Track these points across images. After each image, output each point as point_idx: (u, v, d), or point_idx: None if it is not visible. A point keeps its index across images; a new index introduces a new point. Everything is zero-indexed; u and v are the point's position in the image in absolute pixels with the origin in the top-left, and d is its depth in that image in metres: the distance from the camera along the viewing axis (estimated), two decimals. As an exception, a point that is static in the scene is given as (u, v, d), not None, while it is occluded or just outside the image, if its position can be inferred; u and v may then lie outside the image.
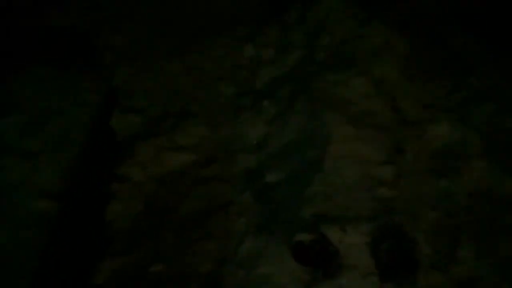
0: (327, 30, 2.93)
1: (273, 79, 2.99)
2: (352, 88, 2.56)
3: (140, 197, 2.50)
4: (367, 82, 2.58)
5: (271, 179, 2.42)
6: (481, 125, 2.64)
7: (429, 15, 3.22)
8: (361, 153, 2.34)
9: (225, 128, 2.80)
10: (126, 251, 2.25)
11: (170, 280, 2.13)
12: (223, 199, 2.46)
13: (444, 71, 2.87)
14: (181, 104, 2.97)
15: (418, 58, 2.85)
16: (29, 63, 2.56)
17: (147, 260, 2.21)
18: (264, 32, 3.31)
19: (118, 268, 2.18)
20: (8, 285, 1.60)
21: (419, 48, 2.92)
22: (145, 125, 2.84)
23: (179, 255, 2.23)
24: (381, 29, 2.87)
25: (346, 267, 1.97)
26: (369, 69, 2.67)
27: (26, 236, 1.71)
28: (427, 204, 2.26)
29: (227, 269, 2.13)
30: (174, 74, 3.20)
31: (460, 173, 2.43)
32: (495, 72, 2.89)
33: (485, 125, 2.65)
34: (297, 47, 3.05)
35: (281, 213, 2.22)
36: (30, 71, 2.42)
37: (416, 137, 2.56)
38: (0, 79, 2.37)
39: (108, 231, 2.33)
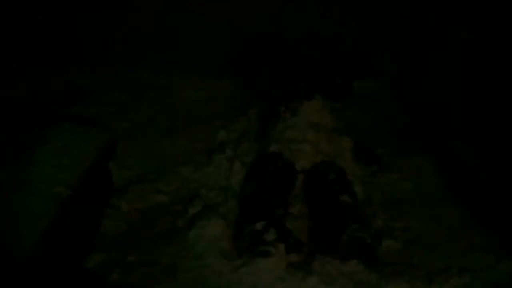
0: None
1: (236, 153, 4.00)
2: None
3: (125, 221, 3.37)
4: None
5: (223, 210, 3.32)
6: (384, 187, 3.63)
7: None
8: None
9: (195, 177, 3.75)
10: (111, 249, 3.08)
11: (140, 266, 2.94)
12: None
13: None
14: (164, 166, 3.94)
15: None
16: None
17: (125, 255, 3.03)
18: (234, 122, 4.38)
19: (104, 258, 3.00)
20: (30, 232, 2.45)
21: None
22: (135, 177, 3.79)
23: (148, 253, 3.05)
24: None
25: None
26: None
27: (47, 205, 2.59)
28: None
29: (183, 261, 2.95)
30: (163, 148, 4.20)
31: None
32: (394, 153, 3.98)
33: (387, 186, 3.63)
34: (253, 132, 4.13)
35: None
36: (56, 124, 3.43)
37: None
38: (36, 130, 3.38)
39: (98, 238, 3.18)
